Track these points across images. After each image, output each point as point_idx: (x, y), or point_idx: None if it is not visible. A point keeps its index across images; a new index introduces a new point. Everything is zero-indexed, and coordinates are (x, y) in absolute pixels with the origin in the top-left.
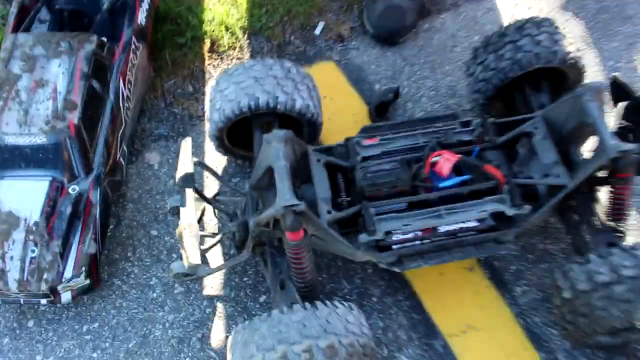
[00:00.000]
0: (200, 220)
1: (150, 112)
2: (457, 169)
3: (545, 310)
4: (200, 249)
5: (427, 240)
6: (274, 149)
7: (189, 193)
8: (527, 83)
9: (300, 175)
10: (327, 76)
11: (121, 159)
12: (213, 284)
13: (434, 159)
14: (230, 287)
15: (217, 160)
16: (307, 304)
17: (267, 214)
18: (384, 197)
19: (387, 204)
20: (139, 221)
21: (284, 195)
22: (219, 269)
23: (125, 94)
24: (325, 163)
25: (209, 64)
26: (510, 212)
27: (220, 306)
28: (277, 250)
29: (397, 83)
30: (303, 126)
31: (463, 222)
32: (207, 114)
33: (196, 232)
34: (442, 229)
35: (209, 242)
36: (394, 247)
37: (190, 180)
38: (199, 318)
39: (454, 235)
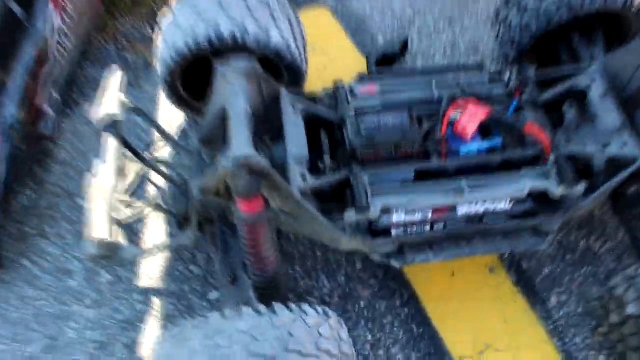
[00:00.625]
0: (137, 189)
1: (97, 56)
2: (484, 130)
3: (588, 329)
4: (115, 222)
5: (440, 225)
6: (231, 84)
7: (111, 144)
8: (576, 32)
9: (269, 128)
10: (319, 24)
11: (48, 107)
12: (151, 273)
13: (454, 115)
14: (172, 278)
15: (175, 121)
16: (262, 306)
17: (213, 173)
18: (383, 163)
19: (386, 171)
20: (65, 188)
21: (238, 144)
22: (151, 252)
23: (57, 26)
24: (304, 112)
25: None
26: (557, 191)
27: (157, 302)
28: (230, 230)
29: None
30: (281, 73)
31: (491, 202)
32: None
33: (112, 198)
34: (462, 210)
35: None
36: (394, 232)
37: (114, 126)
38: (127, 317)
39: (477, 221)
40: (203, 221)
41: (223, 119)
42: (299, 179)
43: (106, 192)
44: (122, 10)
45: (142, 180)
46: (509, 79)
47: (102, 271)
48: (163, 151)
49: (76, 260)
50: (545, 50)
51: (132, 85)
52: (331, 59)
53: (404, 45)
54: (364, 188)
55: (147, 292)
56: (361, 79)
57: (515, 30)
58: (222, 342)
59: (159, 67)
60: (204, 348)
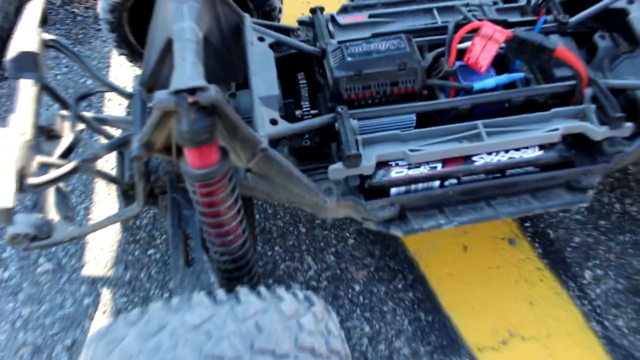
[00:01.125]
0: (71, 150)
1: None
2: (500, 65)
3: (632, 309)
4: (29, 185)
5: (452, 182)
6: (175, 3)
7: (26, 86)
8: None
9: (233, 72)
10: None
11: None
12: (99, 259)
13: (464, 43)
14: (125, 265)
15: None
16: (221, 292)
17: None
18: (377, 104)
19: (381, 115)
20: None
21: (180, 73)
22: (89, 229)
23: None
24: (274, 45)
25: None
26: (598, 132)
27: (107, 294)
28: (184, 198)
29: None
30: (249, 9)
31: (516, 149)
32: None
33: (25, 158)
34: (479, 160)
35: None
36: (393, 191)
37: (30, 66)
38: (71, 313)
39: (499, 173)
40: (158, 191)
41: (169, 53)
42: (268, 124)
43: (20, 149)
44: None
45: (79, 141)
46: (528, 0)
47: (41, 259)
48: (105, 106)
49: (10, 246)
50: None
51: (81, 43)
52: (311, 3)
53: None
54: (353, 135)
55: (94, 282)
56: (344, 9)
57: None
58: (166, 342)
59: (99, 6)
60: (140, 351)
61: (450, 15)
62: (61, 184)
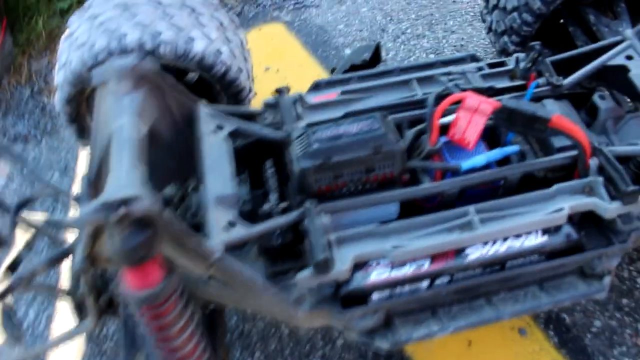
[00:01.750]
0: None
1: (8, 102)
2: (492, 136)
3: None
4: None
5: (444, 280)
6: (113, 94)
7: None
8: (588, 8)
9: (189, 163)
10: (273, 41)
11: None
12: None
13: (447, 117)
14: None
15: None
16: None
17: (81, 233)
18: (351, 196)
19: (356, 207)
20: None
21: (114, 181)
22: (38, 351)
23: None
24: (236, 133)
25: None
26: (610, 209)
27: None
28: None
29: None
30: (220, 97)
31: (516, 236)
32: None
33: None
34: (473, 253)
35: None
36: (375, 296)
37: None
38: None
39: (497, 267)
40: (119, 299)
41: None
42: (223, 228)
43: None
44: (37, 47)
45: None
46: (517, 63)
47: None
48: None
49: None
50: (550, 37)
51: (49, 134)
52: (289, 79)
53: (376, 53)
54: (324, 234)
55: None
56: (316, 85)
57: (514, 13)
58: None
59: (56, 97)
60: None
61: (432, 87)
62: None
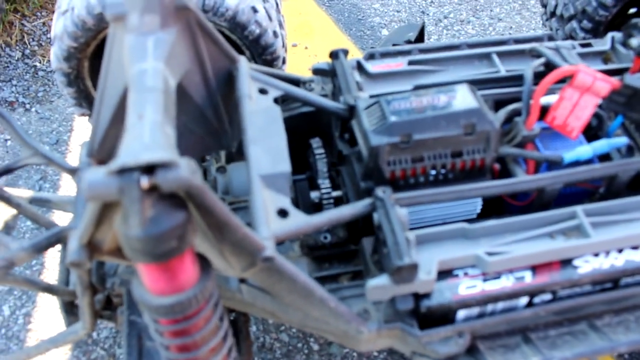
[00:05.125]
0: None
1: None
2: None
3: None
4: None
5: (544, 297)
6: (134, 31)
7: None
8: None
9: (219, 133)
10: (301, 16)
11: None
12: None
13: (547, 97)
14: None
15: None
16: None
17: (87, 210)
18: (430, 185)
19: (437, 199)
20: None
21: (136, 140)
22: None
23: None
24: (279, 100)
25: None
26: None
27: None
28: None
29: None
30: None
31: (635, 246)
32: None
33: None
34: (585, 265)
35: None
36: (461, 314)
37: None
38: None
39: (610, 285)
40: (118, 300)
41: (122, 107)
42: (275, 216)
43: None
44: (30, 3)
45: (10, 230)
46: (613, 44)
47: None
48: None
49: None
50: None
51: (40, 102)
52: (319, 57)
53: (421, 34)
54: (401, 230)
55: None
56: (370, 56)
57: None
58: None
59: (52, 53)
60: None
61: (516, 63)
62: None
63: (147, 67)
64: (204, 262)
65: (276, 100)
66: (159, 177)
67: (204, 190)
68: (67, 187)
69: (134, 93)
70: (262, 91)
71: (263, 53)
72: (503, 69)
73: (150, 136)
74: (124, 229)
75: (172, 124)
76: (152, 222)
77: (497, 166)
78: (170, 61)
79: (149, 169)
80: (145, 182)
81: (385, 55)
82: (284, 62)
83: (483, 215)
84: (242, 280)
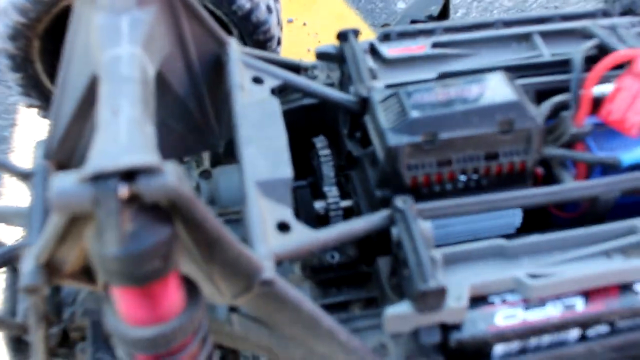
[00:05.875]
0: None
1: None
2: None
3: None
4: None
5: (602, 330)
6: (105, 9)
7: None
8: None
9: (204, 130)
10: None
11: None
12: None
13: (601, 87)
14: None
15: None
16: None
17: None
18: (456, 191)
19: (465, 211)
20: None
21: (110, 140)
22: None
23: None
24: (276, 91)
25: None
26: None
27: None
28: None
29: None
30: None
31: None
32: None
33: None
34: None
35: None
36: (498, 350)
37: None
38: None
39: None
40: (77, 335)
41: (93, 101)
42: (274, 231)
43: None
44: None
45: None
46: None
47: None
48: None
49: None
50: None
51: None
52: (320, 36)
53: (445, 8)
54: (425, 248)
55: None
56: (385, 37)
57: None
58: None
59: None
60: None
61: (563, 45)
62: None
63: (122, 53)
64: (191, 287)
65: (273, 91)
66: (141, 184)
67: (194, 201)
68: (14, 194)
69: (106, 84)
70: (257, 80)
71: (254, 32)
72: (547, 52)
73: (127, 136)
74: (98, 247)
75: (152, 121)
76: (132, 238)
77: (540, 170)
78: (149, 45)
79: (128, 176)
80: (124, 190)
81: (403, 35)
82: (279, 42)
83: (524, 229)
84: (233, 309)
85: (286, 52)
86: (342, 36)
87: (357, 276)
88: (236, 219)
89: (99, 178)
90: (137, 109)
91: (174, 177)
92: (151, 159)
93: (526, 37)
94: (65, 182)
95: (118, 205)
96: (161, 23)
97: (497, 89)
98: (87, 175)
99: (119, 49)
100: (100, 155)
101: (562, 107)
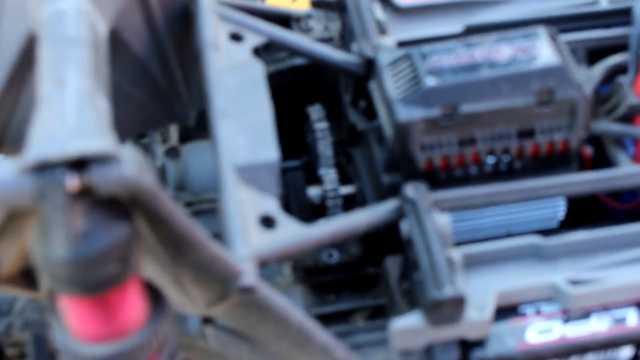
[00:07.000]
0: None
1: None
2: None
3: None
4: None
5: None
6: None
7: None
8: None
9: (170, 99)
10: None
11: None
12: None
13: None
14: None
15: None
16: None
17: None
18: (483, 176)
19: (497, 199)
20: None
21: (55, 118)
22: None
23: None
24: (260, 51)
25: None
26: None
27: None
28: None
29: None
30: None
31: None
32: None
33: None
34: None
35: None
36: None
37: None
38: None
39: None
40: (14, 352)
41: (29, 67)
42: (257, 226)
43: None
44: None
45: None
46: None
47: None
48: None
49: None
50: None
51: None
52: None
53: None
54: (441, 247)
55: None
56: None
57: None
58: None
59: None
60: None
61: None
62: None
63: (66, 8)
64: (155, 295)
65: (256, 51)
66: (94, 175)
67: (157, 194)
68: None
69: (47, 48)
70: (235, 37)
71: None
72: (604, 2)
73: (76, 114)
74: (43, 248)
75: (105, 92)
76: (83, 238)
77: (588, 151)
78: None
79: (78, 164)
80: (73, 182)
81: None
82: None
83: (570, 223)
84: (207, 320)
85: None
86: None
87: (361, 279)
88: (210, 208)
89: (43, 168)
90: (87, 79)
91: (133, 166)
92: (105, 144)
93: None
94: (3, 172)
95: (66, 199)
96: None
97: (534, 49)
98: (28, 164)
99: (62, 1)
100: (44, 139)
101: (620, 70)
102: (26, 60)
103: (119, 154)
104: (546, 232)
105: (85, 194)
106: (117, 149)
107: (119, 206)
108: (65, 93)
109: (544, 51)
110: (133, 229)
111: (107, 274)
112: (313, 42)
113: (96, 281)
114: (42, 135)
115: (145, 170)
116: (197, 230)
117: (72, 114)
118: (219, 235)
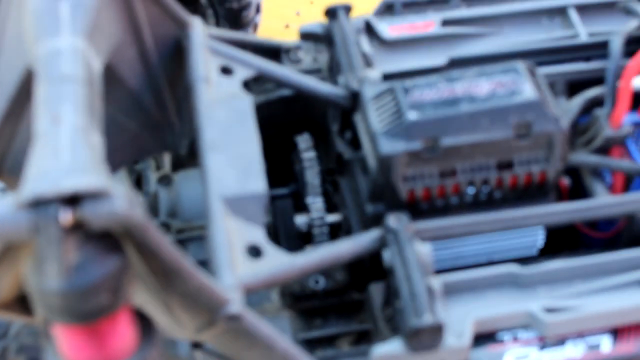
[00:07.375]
0: None
1: None
2: None
3: None
4: None
5: None
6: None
7: None
8: None
9: (163, 130)
10: None
11: None
12: None
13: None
14: None
15: None
16: None
17: None
18: (463, 206)
19: (476, 228)
20: None
21: (51, 155)
22: None
23: None
24: (250, 83)
25: None
26: None
27: None
28: None
29: None
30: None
31: None
32: None
33: None
34: None
35: None
36: None
37: None
38: None
39: None
40: None
41: (27, 101)
42: (244, 256)
43: None
44: None
45: None
46: None
47: None
48: None
49: None
50: None
51: None
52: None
53: None
54: (421, 276)
55: None
56: (387, 8)
57: None
58: None
59: None
60: None
61: (603, 22)
62: None
63: (62, 46)
64: (145, 323)
65: (246, 84)
66: (87, 210)
67: (147, 227)
68: None
69: (44, 84)
70: (225, 70)
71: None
72: (584, 31)
73: (70, 151)
74: (38, 279)
75: (99, 128)
76: (76, 270)
77: (565, 181)
78: (95, 35)
79: (72, 200)
80: (67, 217)
81: (409, 5)
82: (257, 10)
83: (548, 251)
84: (197, 345)
85: (266, 21)
86: (331, 13)
87: (347, 305)
88: (201, 234)
89: (38, 204)
90: (81, 115)
91: (124, 201)
92: (98, 180)
93: (560, 12)
94: (0, 208)
95: (60, 233)
96: (109, 6)
97: (512, 85)
98: (24, 200)
99: (59, 40)
100: (39, 176)
101: (598, 102)
102: (24, 94)
103: (110, 190)
104: (526, 260)
105: (78, 228)
106: (109, 186)
107: (111, 239)
108: (60, 129)
109: (522, 86)
110: (124, 261)
111: (99, 304)
112: (301, 74)
113: (88, 311)
114: (38, 171)
115: (135, 205)
116: (185, 260)
117: (66, 151)
118: (207, 265)
